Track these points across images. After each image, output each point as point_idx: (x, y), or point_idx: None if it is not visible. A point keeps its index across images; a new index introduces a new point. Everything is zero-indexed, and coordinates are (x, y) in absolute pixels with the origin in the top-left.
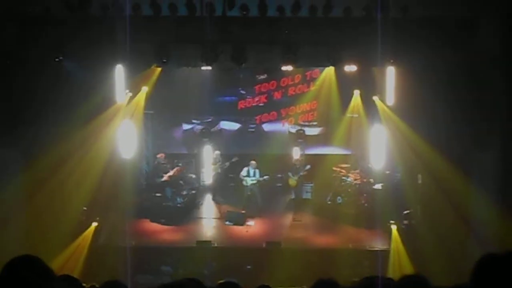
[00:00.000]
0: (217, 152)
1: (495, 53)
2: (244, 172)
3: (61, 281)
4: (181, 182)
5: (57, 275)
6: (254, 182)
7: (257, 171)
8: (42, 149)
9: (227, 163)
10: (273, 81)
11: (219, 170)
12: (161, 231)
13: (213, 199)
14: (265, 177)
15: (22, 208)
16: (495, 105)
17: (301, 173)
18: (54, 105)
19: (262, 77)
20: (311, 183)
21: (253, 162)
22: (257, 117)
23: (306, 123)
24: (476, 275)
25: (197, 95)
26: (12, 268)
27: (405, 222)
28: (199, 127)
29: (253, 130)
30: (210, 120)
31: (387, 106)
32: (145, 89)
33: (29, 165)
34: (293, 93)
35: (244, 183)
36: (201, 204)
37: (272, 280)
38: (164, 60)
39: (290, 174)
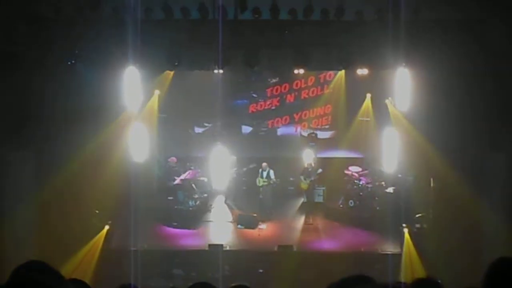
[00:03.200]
0: (233, 157)
1: (509, 55)
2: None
3: (69, 286)
4: (193, 185)
5: (66, 279)
6: (266, 183)
7: (271, 171)
8: (54, 152)
9: (244, 169)
10: (285, 84)
11: (235, 175)
12: (173, 235)
13: (226, 202)
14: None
15: (34, 211)
16: (508, 108)
17: (313, 177)
18: (66, 108)
19: (274, 80)
20: (323, 186)
21: (264, 164)
22: (269, 122)
23: (319, 127)
24: (488, 279)
25: (209, 98)
26: (20, 275)
27: (417, 225)
28: (211, 130)
29: (264, 133)
30: (222, 123)
31: (399, 110)
32: (157, 93)
33: (41, 167)
34: (306, 96)
35: (257, 182)
36: (213, 207)
37: (284, 284)
38: (176, 64)
39: (302, 177)
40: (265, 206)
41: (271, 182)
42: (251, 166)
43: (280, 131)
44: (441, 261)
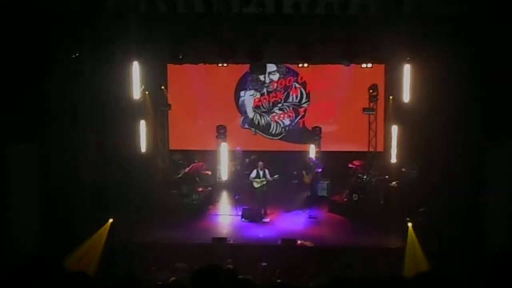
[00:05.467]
0: (238, 148)
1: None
2: (253, 174)
3: (73, 278)
4: (197, 178)
5: (70, 271)
6: (264, 183)
7: (266, 171)
8: (59, 145)
9: (247, 160)
10: (290, 78)
11: (239, 167)
12: (177, 228)
13: (233, 196)
14: (275, 176)
15: (38, 204)
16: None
17: (315, 171)
18: (70, 101)
19: (278, 73)
20: (327, 180)
21: (260, 163)
22: (274, 115)
23: (324, 121)
24: (490, 271)
25: (213, 91)
26: (25, 268)
27: (421, 219)
28: (215, 123)
29: (269, 127)
30: (226, 116)
31: (404, 103)
32: (161, 86)
33: (44, 160)
34: (311, 89)
35: (254, 184)
36: (217, 201)
37: (287, 277)
38: (180, 57)
39: (304, 172)
40: (264, 202)
41: (266, 181)
42: (252, 157)
43: (284, 124)
44: (444, 255)
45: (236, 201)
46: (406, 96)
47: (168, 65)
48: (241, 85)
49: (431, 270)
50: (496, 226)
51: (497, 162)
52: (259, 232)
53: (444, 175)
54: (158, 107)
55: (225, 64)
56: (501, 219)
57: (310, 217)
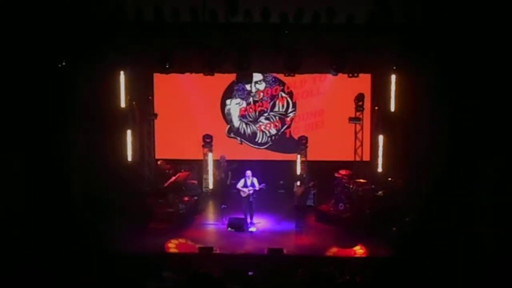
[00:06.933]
0: (223, 156)
1: (499, 57)
2: (240, 183)
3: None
4: (183, 188)
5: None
6: (251, 192)
7: (254, 180)
8: (46, 154)
9: (229, 169)
10: (276, 87)
11: (223, 175)
12: (163, 237)
13: (219, 206)
14: (261, 185)
15: (26, 213)
16: (501, 112)
17: (309, 185)
18: (57, 110)
19: (265, 83)
20: (314, 189)
21: (248, 172)
22: (260, 124)
23: (310, 130)
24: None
25: (199, 101)
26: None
27: (407, 229)
28: (202, 132)
29: (255, 136)
30: (212, 126)
31: (390, 113)
32: (148, 94)
33: (32, 170)
34: (298, 98)
35: (241, 193)
36: (203, 210)
37: (274, 287)
38: (167, 66)
39: (297, 184)
40: (252, 209)
41: (253, 190)
42: (234, 166)
43: (271, 133)
44: (432, 265)
45: (223, 211)
46: (393, 105)
47: (155, 74)
48: (227, 94)
49: (418, 280)
50: (484, 237)
51: (486, 171)
52: (246, 241)
53: (430, 185)
54: (144, 116)
55: (211, 74)
56: (491, 228)
57: (296, 226)
